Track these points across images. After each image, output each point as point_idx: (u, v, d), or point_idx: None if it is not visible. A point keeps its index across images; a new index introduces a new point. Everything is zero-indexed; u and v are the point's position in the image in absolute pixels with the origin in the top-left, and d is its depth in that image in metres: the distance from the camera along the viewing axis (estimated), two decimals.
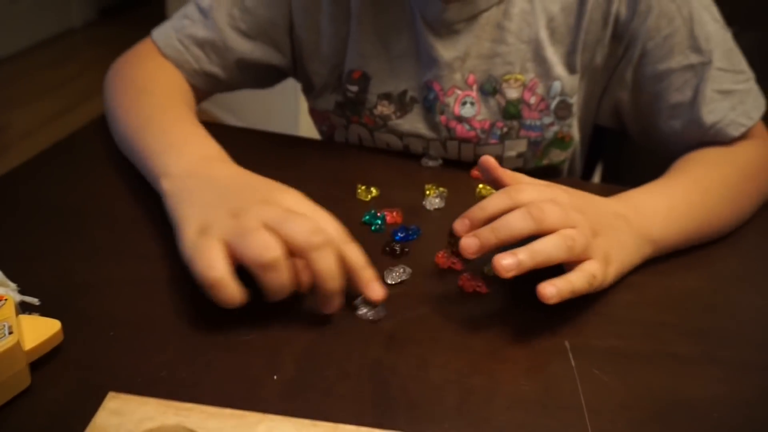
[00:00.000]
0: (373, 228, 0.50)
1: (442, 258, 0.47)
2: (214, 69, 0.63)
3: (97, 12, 3.37)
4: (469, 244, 0.39)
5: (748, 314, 0.46)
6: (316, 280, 0.38)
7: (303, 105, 0.75)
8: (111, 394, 0.31)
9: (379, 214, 0.51)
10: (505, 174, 0.45)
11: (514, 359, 0.39)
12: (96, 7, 3.35)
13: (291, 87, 0.75)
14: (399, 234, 0.49)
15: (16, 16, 2.81)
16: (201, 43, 0.62)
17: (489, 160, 0.45)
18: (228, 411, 0.31)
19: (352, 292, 0.41)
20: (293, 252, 0.37)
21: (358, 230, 0.46)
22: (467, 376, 0.37)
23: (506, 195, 0.42)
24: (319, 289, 0.38)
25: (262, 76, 0.68)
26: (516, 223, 0.39)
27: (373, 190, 0.55)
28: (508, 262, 0.38)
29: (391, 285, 0.43)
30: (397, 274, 0.44)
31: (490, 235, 0.39)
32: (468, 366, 0.38)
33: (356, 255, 0.39)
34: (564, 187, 0.45)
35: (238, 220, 0.38)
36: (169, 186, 0.45)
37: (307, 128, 0.80)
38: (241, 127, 0.55)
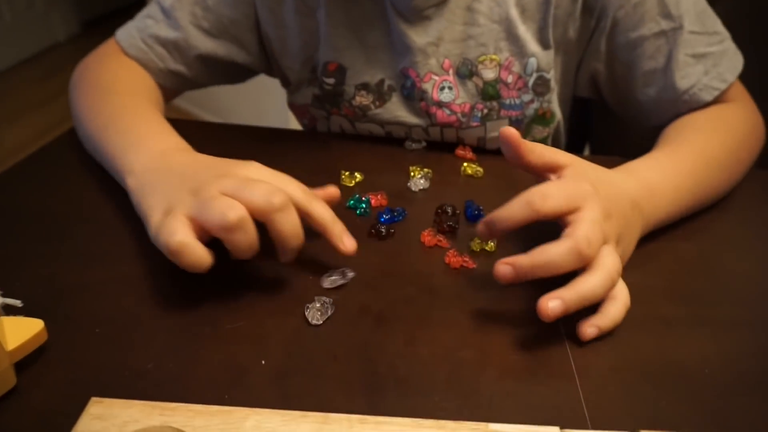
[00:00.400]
0: (358, 212, 0.50)
1: (427, 236, 0.47)
2: (179, 67, 0.63)
3: (80, 25, 3.35)
4: (505, 273, 0.37)
5: (735, 275, 0.46)
6: (280, 240, 0.39)
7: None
8: (93, 400, 0.31)
9: (363, 198, 0.51)
10: (526, 148, 0.41)
11: (503, 331, 0.39)
12: (78, 20, 3.34)
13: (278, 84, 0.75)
14: (384, 216, 0.49)
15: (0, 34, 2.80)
16: (164, 43, 0.62)
17: (512, 134, 0.40)
18: (214, 408, 0.31)
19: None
20: (254, 216, 0.38)
21: (344, 215, 0.46)
22: (456, 350, 0.37)
23: (530, 207, 0.38)
24: (281, 248, 0.39)
25: (229, 72, 0.68)
26: (561, 262, 0.37)
27: (357, 175, 0.55)
28: (554, 305, 0.35)
29: (329, 289, 0.42)
30: (336, 278, 0.42)
31: (528, 270, 0.37)
32: (457, 340, 0.38)
33: (323, 211, 0.41)
34: (586, 168, 0.43)
35: (198, 195, 0.39)
36: (132, 182, 0.46)
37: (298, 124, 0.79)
38: (221, 123, 0.55)
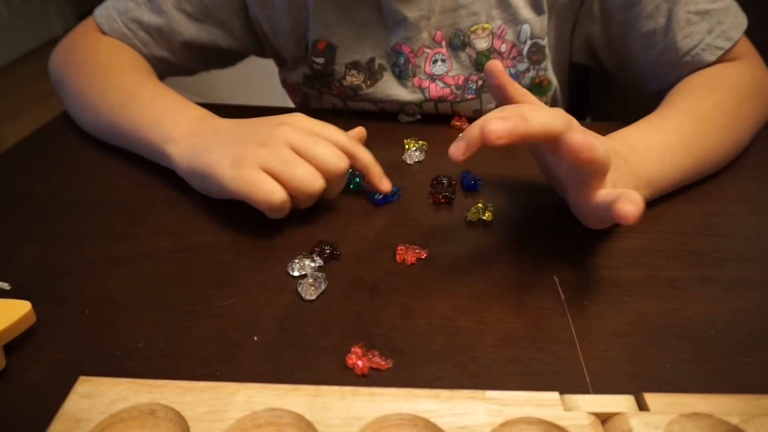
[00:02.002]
0: (351, 186, 0.49)
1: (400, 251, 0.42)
2: (164, 53, 0.62)
3: (76, 18, 3.33)
4: (496, 127, 0.31)
5: (743, 233, 0.44)
6: (325, 193, 0.44)
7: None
8: (81, 378, 0.30)
9: (357, 172, 0.50)
10: (512, 86, 0.40)
11: (502, 299, 0.38)
12: (74, 13, 3.32)
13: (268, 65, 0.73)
14: (377, 196, 0.48)
15: None
16: (147, 28, 0.61)
17: (496, 65, 0.39)
18: (203, 384, 0.30)
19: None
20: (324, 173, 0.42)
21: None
22: (453, 319, 0.36)
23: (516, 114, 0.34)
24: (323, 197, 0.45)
25: (215, 57, 0.67)
26: (545, 118, 0.34)
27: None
28: (498, 125, 0.31)
29: (294, 276, 0.40)
30: (302, 266, 0.40)
31: (519, 120, 0.32)
32: (453, 310, 0.37)
33: (366, 155, 0.46)
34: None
35: (269, 147, 0.42)
36: (178, 149, 0.47)
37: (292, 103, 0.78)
38: (211, 103, 0.54)
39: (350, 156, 0.44)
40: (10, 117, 2.39)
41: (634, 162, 0.43)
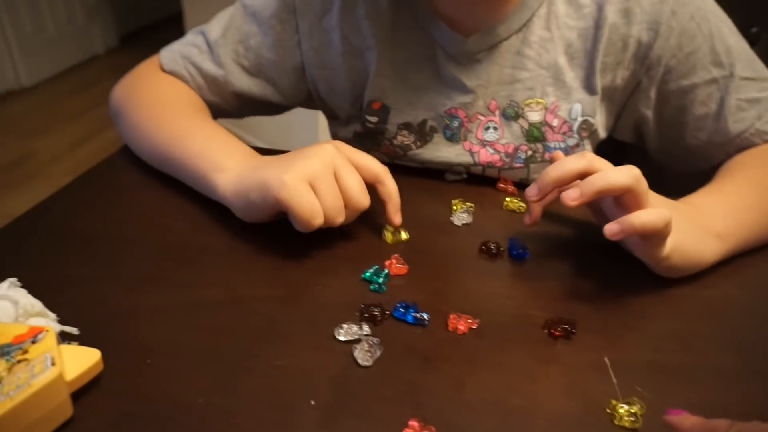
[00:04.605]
0: (372, 287, 0.45)
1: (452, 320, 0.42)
2: (215, 99, 0.66)
3: (118, 39, 3.45)
4: (569, 193, 0.41)
5: None
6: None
7: (322, 123, 0.75)
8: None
9: (382, 271, 0.46)
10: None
11: (552, 377, 0.38)
12: (116, 34, 3.44)
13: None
14: (401, 309, 0.43)
15: (41, 46, 2.89)
16: (205, 75, 0.64)
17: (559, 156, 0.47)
18: None
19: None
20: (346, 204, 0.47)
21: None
22: (504, 397, 0.37)
23: (582, 157, 0.43)
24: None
25: (263, 108, 0.70)
26: (615, 176, 0.41)
27: (403, 234, 0.51)
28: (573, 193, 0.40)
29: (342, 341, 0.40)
30: (349, 331, 0.40)
31: (589, 186, 0.41)
32: (505, 386, 0.37)
33: (392, 186, 0.50)
34: None
35: (316, 159, 0.46)
36: (226, 175, 0.50)
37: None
38: (259, 147, 0.57)
39: (379, 182, 0.49)
40: (44, 132, 2.46)
41: (698, 217, 0.46)
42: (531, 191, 0.44)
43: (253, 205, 0.48)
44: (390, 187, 0.49)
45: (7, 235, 0.51)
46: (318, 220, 0.45)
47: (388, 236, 0.51)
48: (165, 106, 0.60)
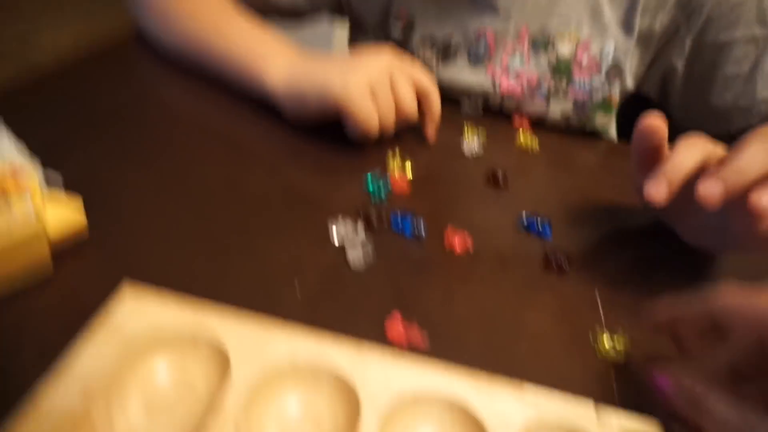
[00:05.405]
0: (372, 201, 0.44)
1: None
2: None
3: None
4: (712, 191, 0.32)
5: None
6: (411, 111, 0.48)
7: (337, 43, 0.72)
8: (126, 286, 0.30)
9: (381, 179, 0.45)
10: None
11: (542, 303, 0.38)
12: None
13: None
14: (398, 216, 0.42)
15: None
16: None
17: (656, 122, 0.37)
18: (247, 315, 0.30)
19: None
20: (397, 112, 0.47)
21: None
22: (492, 314, 0.36)
23: (694, 146, 0.36)
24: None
25: (286, 13, 0.66)
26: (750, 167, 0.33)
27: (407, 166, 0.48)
28: (712, 188, 0.32)
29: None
30: (347, 236, 0.39)
31: (737, 178, 0.32)
32: (494, 304, 0.37)
33: (437, 103, 0.50)
34: None
35: (374, 65, 0.45)
36: (278, 73, 0.48)
37: None
38: None
39: (424, 96, 0.49)
40: (50, 26, 2.38)
41: None
42: (659, 196, 0.34)
43: (307, 107, 0.46)
44: (435, 104, 0.50)
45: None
46: (375, 132, 0.45)
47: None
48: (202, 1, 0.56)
